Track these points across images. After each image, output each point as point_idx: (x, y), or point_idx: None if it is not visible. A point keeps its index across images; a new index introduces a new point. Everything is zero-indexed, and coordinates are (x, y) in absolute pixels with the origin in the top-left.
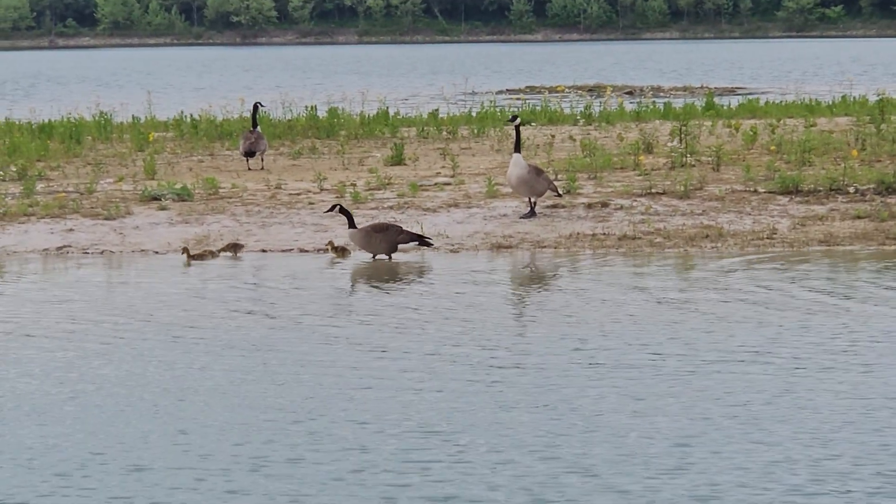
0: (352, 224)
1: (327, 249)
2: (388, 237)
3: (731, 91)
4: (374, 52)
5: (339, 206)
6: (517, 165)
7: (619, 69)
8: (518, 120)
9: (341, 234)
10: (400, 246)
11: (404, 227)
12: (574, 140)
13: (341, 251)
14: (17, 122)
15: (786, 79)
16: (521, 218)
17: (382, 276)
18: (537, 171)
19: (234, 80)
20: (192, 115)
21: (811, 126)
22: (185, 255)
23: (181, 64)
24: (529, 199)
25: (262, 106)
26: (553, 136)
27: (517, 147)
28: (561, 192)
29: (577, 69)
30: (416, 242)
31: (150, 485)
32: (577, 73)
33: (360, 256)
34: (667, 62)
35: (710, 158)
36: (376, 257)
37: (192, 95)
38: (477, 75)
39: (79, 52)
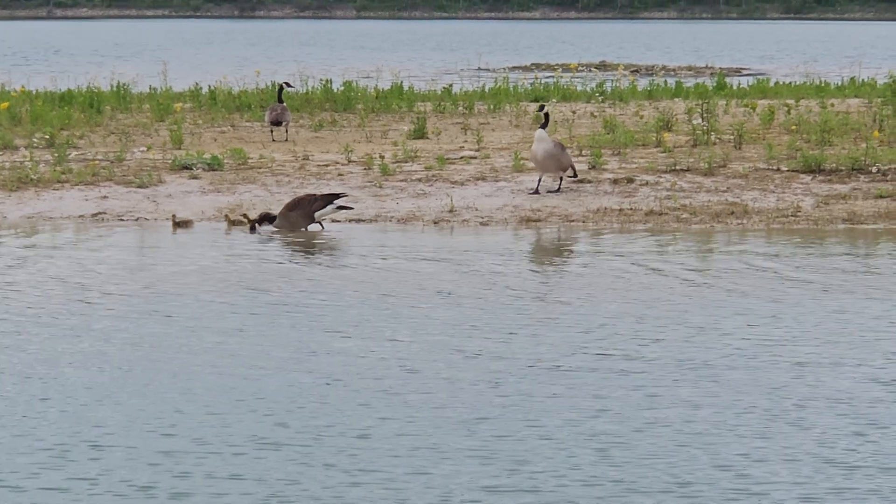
0: (272, 220)
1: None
2: (302, 211)
3: (737, 71)
4: (373, 28)
5: (254, 222)
6: (543, 140)
7: (620, 48)
8: (546, 109)
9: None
10: (318, 214)
11: (318, 193)
12: (594, 117)
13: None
14: (35, 91)
15: (793, 60)
16: (548, 192)
17: (429, 246)
18: (562, 147)
19: (243, 53)
20: (209, 87)
21: (827, 107)
22: (172, 222)
23: (182, 36)
24: (556, 173)
25: (289, 87)
26: (574, 113)
27: (545, 125)
28: (578, 175)
29: (578, 47)
30: (336, 207)
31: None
32: (580, 52)
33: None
34: (668, 42)
35: (731, 137)
36: (306, 229)
37: (202, 67)
38: (482, 53)
39: (77, 23)
